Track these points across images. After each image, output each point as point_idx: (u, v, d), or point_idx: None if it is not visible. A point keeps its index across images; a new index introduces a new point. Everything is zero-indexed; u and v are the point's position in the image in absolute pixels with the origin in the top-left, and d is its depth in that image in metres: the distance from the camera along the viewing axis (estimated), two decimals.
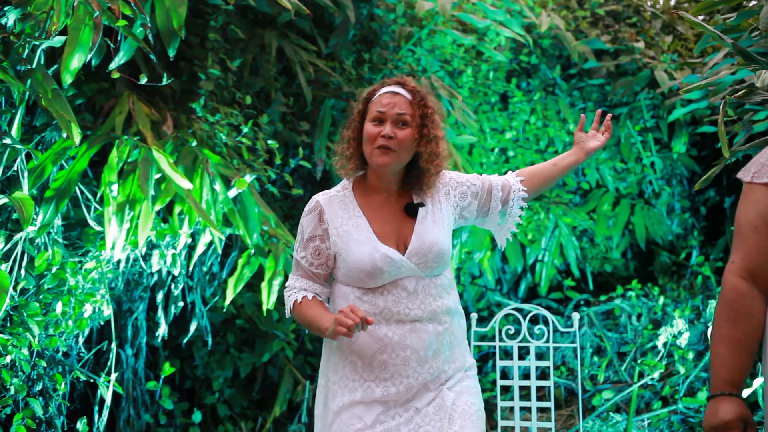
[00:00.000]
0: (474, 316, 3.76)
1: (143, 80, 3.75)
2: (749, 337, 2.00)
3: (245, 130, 4.30)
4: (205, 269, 4.53)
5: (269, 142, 4.40)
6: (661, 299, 5.42)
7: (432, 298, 2.47)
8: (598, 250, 6.11)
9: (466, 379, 2.54)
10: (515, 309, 3.88)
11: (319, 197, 2.55)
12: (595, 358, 5.32)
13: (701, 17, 6.06)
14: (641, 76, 5.81)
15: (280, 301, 4.69)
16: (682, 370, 4.82)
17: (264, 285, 4.19)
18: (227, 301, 4.22)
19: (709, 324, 4.81)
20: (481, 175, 2.68)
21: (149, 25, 3.48)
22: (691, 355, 4.84)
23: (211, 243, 4.20)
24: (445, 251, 2.48)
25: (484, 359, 5.69)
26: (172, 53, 3.74)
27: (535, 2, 5.95)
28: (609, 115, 2.79)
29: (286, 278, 4.23)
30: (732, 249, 2.08)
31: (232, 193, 4.07)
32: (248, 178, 4.12)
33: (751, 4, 4.56)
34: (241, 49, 4.84)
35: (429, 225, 2.50)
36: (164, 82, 3.76)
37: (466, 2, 5.60)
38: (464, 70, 5.79)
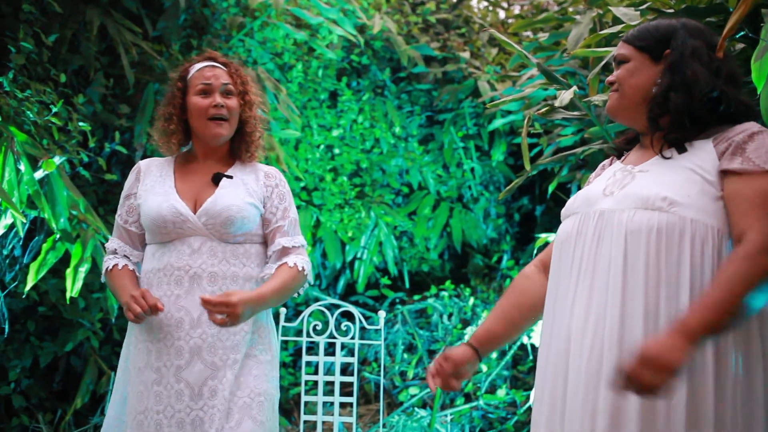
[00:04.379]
0: (282, 311, 3.79)
1: None
2: (513, 308, 2.21)
3: (55, 109, 4.11)
4: (5, 252, 4.29)
5: (81, 124, 4.21)
6: (471, 300, 5.65)
7: (216, 260, 2.49)
8: (417, 250, 6.27)
9: (257, 365, 2.50)
10: (324, 305, 3.93)
11: (143, 161, 2.71)
12: (406, 355, 5.48)
13: (529, 32, 6.39)
14: (466, 85, 6.02)
15: (87, 288, 4.53)
16: (484, 368, 5.05)
17: (69, 271, 4.02)
18: (27, 287, 4.02)
19: None
20: (290, 222, 2.64)
21: None
22: (494, 354, 5.07)
23: (12, 226, 3.98)
24: (236, 219, 2.51)
25: (298, 354, 5.72)
26: None
27: (370, 4, 6.03)
28: None
29: (93, 265, 4.10)
30: None
31: (39, 174, 3.88)
32: (57, 159, 3.94)
33: (567, 25, 4.83)
34: (60, 24, 4.61)
35: (229, 193, 2.56)
36: None
37: None
38: (295, 65, 5.78)
